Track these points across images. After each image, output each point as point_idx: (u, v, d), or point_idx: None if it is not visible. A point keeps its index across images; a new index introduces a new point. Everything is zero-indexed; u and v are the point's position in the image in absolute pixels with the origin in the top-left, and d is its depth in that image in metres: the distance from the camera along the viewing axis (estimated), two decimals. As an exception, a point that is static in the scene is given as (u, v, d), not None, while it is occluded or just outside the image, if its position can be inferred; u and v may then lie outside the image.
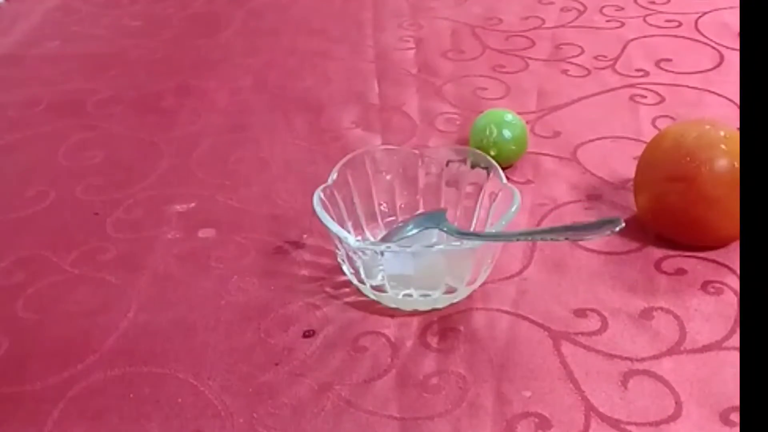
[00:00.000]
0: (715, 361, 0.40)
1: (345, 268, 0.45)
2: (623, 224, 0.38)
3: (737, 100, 0.65)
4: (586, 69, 0.72)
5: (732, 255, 0.48)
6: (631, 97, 0.66)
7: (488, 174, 0.47)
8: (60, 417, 0.39)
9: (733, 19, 0.79)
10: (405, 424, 0.38)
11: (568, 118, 0.64)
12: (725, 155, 0.45)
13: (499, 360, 0.41)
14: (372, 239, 0.48)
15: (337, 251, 0.45)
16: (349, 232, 0.46)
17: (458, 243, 0.44)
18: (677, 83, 0.68)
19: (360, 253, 0.43)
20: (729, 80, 0.68)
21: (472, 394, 0.39)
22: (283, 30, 0.85)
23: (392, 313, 0.45)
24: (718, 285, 0.46)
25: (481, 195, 0.47)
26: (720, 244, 0.48)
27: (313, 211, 0.43)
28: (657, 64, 0.71)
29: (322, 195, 0.45)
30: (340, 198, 0.47)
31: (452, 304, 0.45)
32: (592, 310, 0.44)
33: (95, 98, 0.72)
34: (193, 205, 0.55)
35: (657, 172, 0.48)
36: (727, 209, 0.45)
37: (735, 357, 0.41)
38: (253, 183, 0.58)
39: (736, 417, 0.37)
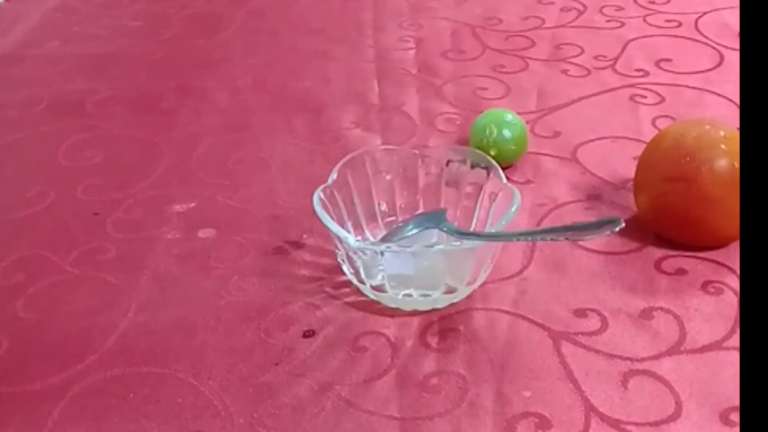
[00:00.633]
0: (715, 361, 0.40)
1: (345, 268, 0.45)
2: (623, 224, 0.38)
3: (737, 100, 0.65)
4: (586, 69, 0.72)
5: (732, 255, 0.48)
6: (631, 97, 0.66)
7: (488, 174, 0.47)
8: (60, 417, 0.39)
9: (733, 19, 0.79)
10: (405, 424, 0.38)
11: (568, 118, 0.64)
12: (725, 155, 0.45)
13: (499, 360, 0.41)
14: (372, 239, 0.48)
15: (337, 251, 0.45)
16: (349, 232, 0.46)
17: (458, 243, 0.44)
18: (677, 83, 0.68)
19: (360, 253, 0.43)
20: (729, 80, 0.68)
21: (472, 394, 0.39)
22: (283, 30, 0.85)
23: (392, 313, 0.45)
24: (718, 285, 0.46)
25: (481, 195, 0.47)
26: (720, 244, 0.48)
27: (313, 211, 0.43)
28: (657, 64, 0.71)
29: (322, 195, 0.45)
30: (340, 198, 0.47)
31: (452, 304, 0.45)
32: (592, 310, 0.44)
33: (95, 98, 0.72)
34: (193, 205, 0.55)
35: (657, 172, 0.48)
36: (727, 209, 0.45)
37: (735, 357, 0.41)
38: (253, 183, 0.58)
39: (736, 417, 0.37)
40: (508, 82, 0.70)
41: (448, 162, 0.49)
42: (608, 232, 0.38)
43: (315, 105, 0.69)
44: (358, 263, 0.44)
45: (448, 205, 0.49)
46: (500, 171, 0.46)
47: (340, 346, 0.43)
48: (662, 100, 0.65)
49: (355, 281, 0.45)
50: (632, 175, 0.51)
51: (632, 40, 0.76)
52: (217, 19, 0.88)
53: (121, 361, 0.43)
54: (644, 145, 0.51)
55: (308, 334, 0.44)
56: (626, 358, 0.41)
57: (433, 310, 0.45)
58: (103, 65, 0.78)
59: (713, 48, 0.74)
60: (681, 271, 0.47)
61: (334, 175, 0.46)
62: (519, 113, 0.59)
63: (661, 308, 0.44)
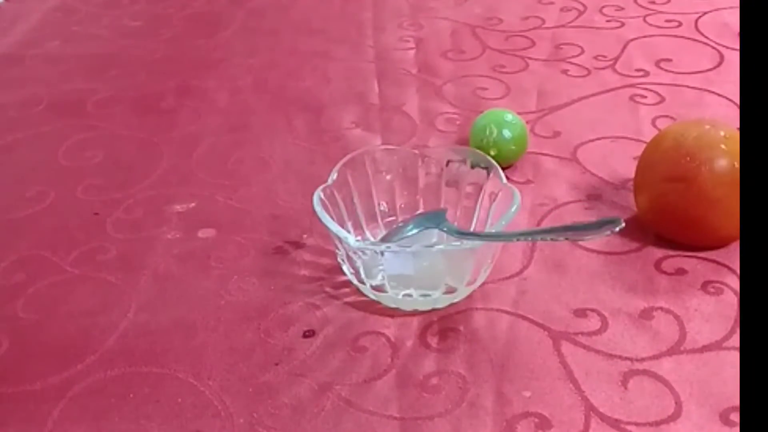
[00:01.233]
0: (715, 361, 0.40)
1: (345, 268, 0.45)
2: (623, 224, 0.38)
3: (737, 100, 0.65)
4: (586, 69, 0.72)
5: (732, 255, 0.48)
6: (631, 97, 0.66)
7: (488, 174, 0.47)
8: (60, 417, 0.39)
9: (733, 19, 0.79)
10: (405, 424, 0.38)
11: (568, 118, 0.64)
12: (725, 155, 0.45)
13: (499, 360, 0.41)
14: (372, 239, 0.48)
15: (337, 251, 0.45)
16: (349, 232, 0.46)
17: (458, 243, 0.44)
18: (677, 83, 0.68)
19: (360, 253, 0.43)
20: (729, 80, 0.68)
21: (472, 394, 0.39)
22: (283, 30, 0.85)
23: (392, 313, 0.45)
24: (718, 285, 0.46)
25: (481, 195, 0.47)
26: (720, 244, 0.48)
27: (313, 211, 0.43)
28: (657, 64, 0.71)
29: (322, 195, 0.45)
30: (340, 198, 0.47)
31: (452, 304, 0.45)
32: (592, 310, 0.44)
33: (95, 98, 0.72)
34: (193, 205, 0.55)
35: (657, 172, 0.48)
36: (727, 209, 0.45)
37: (735, 357, 0.41)
38: (253, 183, 0.58)
39: (736, 417, 0.37)
40: (508, 82, 0.70)
41: (448, 162, 0.49)
42: (608, 232, 0.38)
43: (315, 105, 0.69)
44: (358, 263, 0.44)
45: (448, 205, 0.49)
46: (500, 171, 0.46)
47: (340, 346, 0.43)
48: (662, 100, 0.65)
49: (355, 281, 0.45)
50: (632, 175, 0.51)
51: (632, 40, 0.76)
52: (217, 19, 0.88)
53: (121, 361, 0.43)
54: (644, 145, 0.51)
55: (308, 334, 0.44)
56: (626, 358, 0.41)
57: (433, 310, 0.45)
58: (103, 65, 0.78)
59: (713, 48, 0.74)
60: (681, 271, 0.47)
61: (334, 175, 0.46)
62: (519, 113, 0.59)
63: (661, 308, 0.44)
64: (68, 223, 0.55)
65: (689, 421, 0.37)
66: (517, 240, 0.47)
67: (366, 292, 0.45)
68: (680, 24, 0.79)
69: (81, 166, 0.61)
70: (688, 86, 0.67)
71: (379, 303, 0.45)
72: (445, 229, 0.45)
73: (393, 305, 0.45)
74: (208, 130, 0.66)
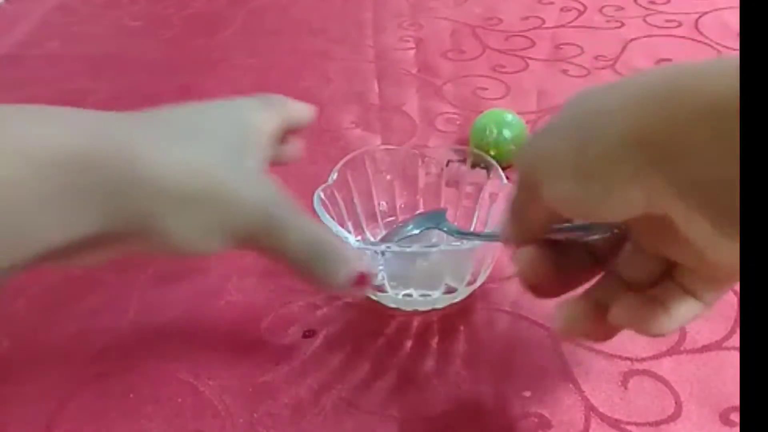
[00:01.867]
0: (716, 361, 0.41)
1: (345, 268, 0.45)
2: (625, 225, 0.37)
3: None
4: (586, 69, 0.72)
5: (732, 255, 0.48)
6: (631, 97, 0.66)
7: (488, 174, 0.47)
8: (60, 417, 0.39)
9: (733, 19, 0.79)
10: (405, 423, 0.38)
11: (568, 118, 0.64)
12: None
13: (499, 360, 0.41)
14: (372, 239, 0.48)
15: (337, 251, 0.45)
16: (349, 232, 0.46)
17: (458, 243, 0.44)
18: (677, 83, 0.68)
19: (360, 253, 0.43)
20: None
21: (471, 394, 0.39)
22: (283, 30, 0.85)
23: (392, 313, 0.45)
24: (718, 285, 0.46)
25: (481, 195, 0.47)
26: (720, 244, 0.48)
27: (314, 211, 0.43)
28: (657, 64, 0.71)
29: (322, 195, 0.45)
30: (340, 198, 0.47)
31: (452, 304, 0.45)
32: (592, 310, 0.44)
33: (95, 98, 0.72)
34: (193, 205, 0.55)
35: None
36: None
37: (735, 357, 0.41)
38: (253, 183, 0.58)
39: (736, 417, 0.37)
40: (508, 82, 0.70)
41: (448, 162, 0.49)
42: (608, 233, 0.37)
43: (315, 105, 0.69)
44: (358, 263, 0.43)
45: (448, 205, 0.49)
46: (500, 171, 0.46)
47: (340, 346, 0.43)
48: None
49: (355, 281, 0.45)
50: (632, 175, 0.51)
51: (632, 40, 0.76)
52: (217, 19, 0.88)
53: (121, 361, 0.43)
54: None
55: (308, 334, 0.44)
56: (626, 358, 0.41)
57: (433, 309, 0.45)
58: (103, 65, 0.78)
59: (713, 48, 0.74)
60: (681, 271, 0.47)
61: (334, 175, 0.46)
62: (519, 113, 0.59)
63: (661, 308, 0.44)
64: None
65: (689, 421, 0.37)
66: None
67: (366, 292, 0.45)
68: (680, 24, 0.79)
69: (81, 166, 0.61)
70: (688, 86, 0.67)
71: (379, 303, 0.45)
72: (445, 229, 0.45)
73: (393, 305, 0.45)
74: (208, 130, 0.66)
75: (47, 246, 0.29)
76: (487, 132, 0.56)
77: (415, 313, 0.45)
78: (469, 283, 0.44)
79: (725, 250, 0.26)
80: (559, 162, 0.28)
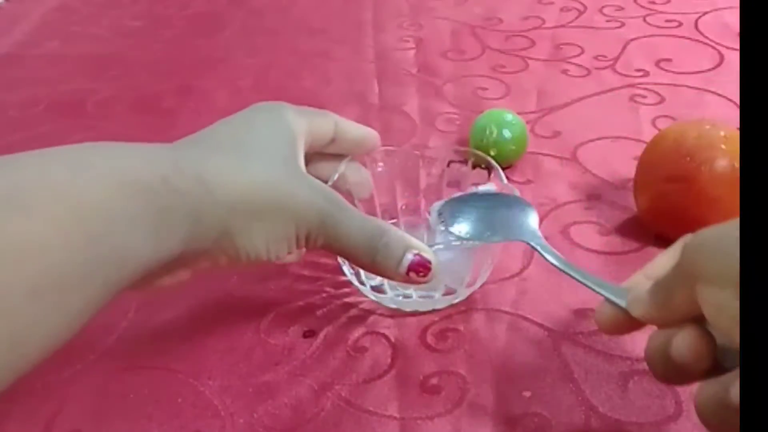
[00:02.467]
0: (715, 361, 0.40)
1: (345, 268, 0.45)
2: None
3: (737, 100, 0.65)
4: (586, 69, 0.72)
5: (732, 255, 0.48)
6: (631, 97, 0.66)
7: (489, 174, 0.47)
8: (60, 417, 0.39)
9: (733, 19, 0.79)
10: (405, 424, 0.38)
11: (568, 118, 0.64)
12: (725, 155, 0.45)
13: (499, 360, 0.41)
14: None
15: (337, 251, 0.45)
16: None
17: (458, 243, 0.44)
18: (677, 83, 0.68)
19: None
20: (729, 80, 0.68)
21: (471, 394, 0.39)
22: (283, 30, 0.85)
23: (392, 313, 0.45)
24: (718, 285, 0.45)
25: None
26: (720, 244, 0.48)
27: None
28: (657, 64, 0.71)
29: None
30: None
31: (452, 305, 0.45)
32: (592, 310, 0.44)
33: (95, 98, 0.72)
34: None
35: (657, 172, 0.48)
36: (727, 209, 0.45)
37: (735, 357, 0.41)
38: (253, 183, 0.58)
39: (736, 417, 0.37)
40: (508, 82, 0.70)
41: (449, 162, 0.49)
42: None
43: (315, 105, 0.68)
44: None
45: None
46: (501, 171, 0.46)
47: (340, 346, 0.43)
48: (662, 100, 0.65)
49: (355, 282, 0.45)
50: (632, 175, 0.51)
51: (632, 40, 0.76)
52: (217, 19, 0.88)
53: (121, 361, 0.43)
54: (644, 145, 0.51)
55: (308, 334, 0.44)
56: (626, 358, 0.41)
57: (434, 310, 0.45)
58: (103, 65, 0.78)
59: (713, 48, 0.74)
60: (681, 271, 0.47)
61: (334, 176, 0.46)
62: (519, 113, 0.59)
63: (661, 308, 0.44)
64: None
65: (689, 421, 0.37)
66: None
67: (366, 293, 0.45)
68: (680, 24, 0.79)
69: (81, 166, 0.61)
70: (688, 86, 0.67)
71: (379, 303, 0.45)
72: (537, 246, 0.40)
73: (393, 306, 0.45)
74: (208, 130, 0.66)
75: (137, 265, 0.32)
76: (487, 132, 0.56)
77: (415, 313, 0.45)
78: (469, 284, 0.44)
79: None
80: (725, 270, 0.26)
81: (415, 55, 0.77)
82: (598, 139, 0.61)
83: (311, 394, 0.40)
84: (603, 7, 0.84)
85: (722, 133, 0.47)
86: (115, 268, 0.31)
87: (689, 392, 0.39)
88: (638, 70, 0.70)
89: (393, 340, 0.43)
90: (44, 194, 0.29)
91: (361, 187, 0.47)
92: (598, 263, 0.48)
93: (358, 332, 0.44)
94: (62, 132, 0.66)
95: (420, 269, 0.38)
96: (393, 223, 0.50)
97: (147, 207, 0.32)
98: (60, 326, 0.29)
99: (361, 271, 0.44)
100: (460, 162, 0.49)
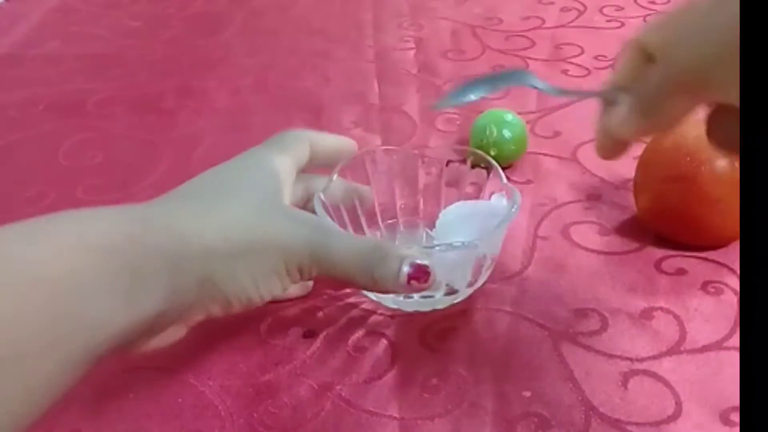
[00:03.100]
0: (716, 362, 0.41)
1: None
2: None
3: (737, 100, 0.65)
4: (586, 69, 0.72)
5: (732, 255, 0.48)
6: (631, 97, 0.66)
7: (488, 174, 0.47)
8: (59, 417, 0.39)
9: (733, 19, 0.79)
10: (405, 424, 0.38)
11: (568, 118, 0.64)
12: (725, 155, 0.45)
13: (499, 360, 0.41)
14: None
15: (337, 251, 0.45)
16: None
17: (459, 244, 0.44)
18: (677, 83, 0.68)
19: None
20: (729, 80, 0.68)
21: (472, 394, 0.39)
22: (284, 30, 0.85)
23: (393, 313, 0.45)
24: (718, 285, 0.46)
25: (482, 195, 0.47)
26: (720, 244, 0.48)
27: (314, 213, 0.43)
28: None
29: (322, 196, 0.44)
30: (341, 197, 0.47)
31: (453, 305, 0.45)
32: (593, 310, 0.44)
33: (95, 98, 0.72)
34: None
35: (657, 172, 0.48)
36: (727, 209, 0.45)
37: (735, 357, 0.41)
38: (253, 183, 0.58)
39: (736, 417, 0.37)
40: (508, 82, 0.70)
41: (448, 162, 0.49)
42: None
43: (315, 105, 0.69)
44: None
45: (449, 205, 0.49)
46: (501, 171, 0.46)
47: (340, 346, 0.43)
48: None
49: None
50: (632, 175, 0.51)
51: (632, 40, 0.76)
52: (217, 19, 0.88)
53: (121, 361, 0.42)
54: (644, 145, 0.51)
55: (308, 334, 0.44)
56: (626, 358, 0.41)
57: (434, 310, 0.45)
58: (103, 65, 0.78)
59: (713, 48, 0.74)
60: (681, 271, 0.47)
61: (334, 176, 0.46)
62: (519, 113, 0.59)
63: (661, 308, 0.44)
64: (68, 223, 0.55)
65: (689, 422, 0.37)
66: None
67: (367, 293, 0.45)
68: (680, 24, 0.79)
69: (81, 166, 0.61)
70: (688, 86, 0.67)
71: (379, 304, 0.45)
72: (539, 86, 0.38)
73: (394, 306, 0.45)
74: (208, 130, 0.66)
75: (110, 331, 0.31)
76: (487, 132, 0.56)
77: (416, 313, 0.45)
78: (470, 284, 0.44)
79: None
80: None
81: (415, 55, 0.77)
82: (598, 139, 0.61)
83: (311, 394, 0.40)
84: (603, 7, 0.84)
85: (722, 133, 0.47)
86: (82, 337, 0.29)
87: (689, 392, 0.39)
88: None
89: (393, 340, 0.43)
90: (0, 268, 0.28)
91: (349, 200, 0.47)
92: (598, 263, 0.48)
93: (358, 332, 0.44)
94: (62, 132, 0.66)
95: (420, 276, 0.37)
96: (391, 223, 0.50)
97: (114, 270, 0.31)
98: (23, 398, 0.28)
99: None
100: (459, 162, 0.49)
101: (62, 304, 0.29)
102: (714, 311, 0.44)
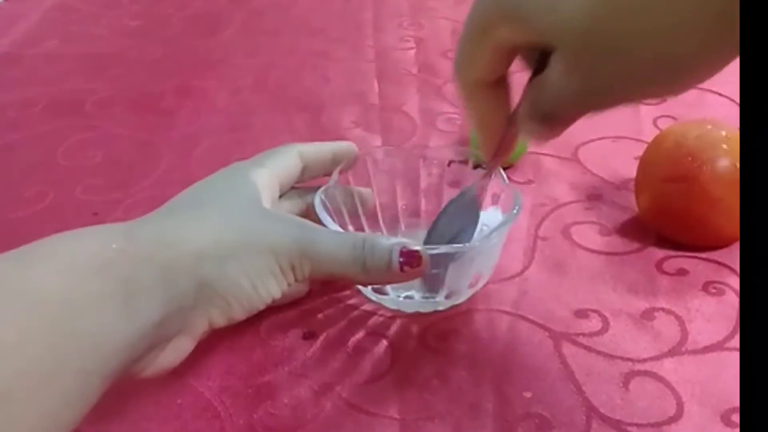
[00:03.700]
0: (717, 362, 0.40)
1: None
2: None
3: (738, 99, 0.65)
4: (587, 69, 0.71)
5: (734, 255, 0.48)
6: (632, 97, 0.66)
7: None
8: (59, 418, 0.39)
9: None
10: (405, 424, 0.38)
11: (569, 118, 0.64)
12: (727, 155, 0.45)
13: (499, 361, 0.41)
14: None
15: (337, 252, 0.45)
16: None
17: (460, 245, 0.44)
18: (678, 83, 0.68)
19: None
20: (729, 80, 0.67)
21: (472, 395, 0.39)
22: (284, 30, 0.85)
23: (393, 314, 0.45)
24: (719, 285, 0.45)
25: (483, 195, 0.47)
26: (722, 244, 0.48)
27: (315, 213, 0.43)
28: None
29: (323, 197, 0.44)
30: (341, 199, 0.47)
31: (454, 306, 0.45)
32: (593, 310, 0.44)
33: (95, 98, 0.72)
34: (192, 205, 0.55)
35: (658, 173, 0.48)
36: (728, 209, 0.45)
37: (736, 358, 0.41)
38: (253, 183, 0.57)
39: (737, 418, 0.37)
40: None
41: (449, 162, 0.49)
42: None
43: (315, 105, 0.69)
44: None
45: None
46: (502, 171, 0.46)
47: (340, 347, 0.43)
48: (663, 100, 0.65)
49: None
50: (633, 175, 0.51)
51: (633, 39, 0.76)
52: (217, 19, 0.88)
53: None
54: (645, 145, 0.51)
55: (308, 335, 0.44)
56: (627, 359, 0.41)
57: (435, 311, 0.45)
58: (102, 65, 0.78)
59: (714, 48, 0.74)
60: (682, 272, 0.47)
61: (335, 176, 0.46)
62: (519, 113, 0.59)
63: (663, 309, 0.44)
64: (68, 223, 0.54)
65: (690, 422, 0.37)
66: None
67: (367, 294, 0.45)
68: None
69: (80, 166, 0.61)
70: (688, 86, 0.67)
71: (380, 305, 0.45)
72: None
73: (394, 307, 0.45)
74: (208, 130, 0.66)
75: (116, 344, 0.31)
76: (488, 132, 0.55)
77: (416, 314, 0.45)
78: (471, 285, 0.44)
79: None
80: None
81: (415, 54, 0.77)
82: (599, 139, 0.61)
83: (311, 395, 0.40)
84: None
85: (723, 133, 0.46)
86: (90, 353, 0.30)
87: (690, 393, 0.39)
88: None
89: (393, 340, 0.43)
90: None
91: (350, 201, 0.47)
92: (599, 263, 0.48)
93: (358, 333, 0.44)
94: (61, 132, 0.66)
95: (412, 260, 0.37)
96: (393, 224, 0.50)
97: (109, 284, 0.31)
98: (44, 421, 0.28)
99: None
100: (460, 162, 0.48)
101: (63, 322, 0.29)
102: (715, 312, 0.44)
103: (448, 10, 0.87)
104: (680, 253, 0.48)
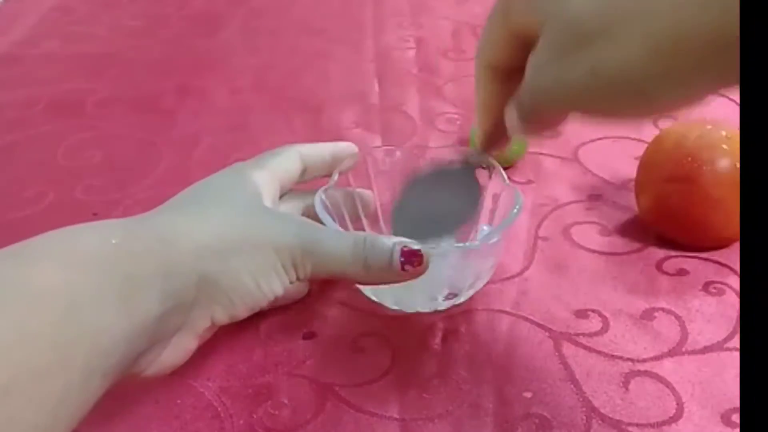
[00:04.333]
0: (717, 362, 0.40)
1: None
2: None
3: (738, 99, 0.65)
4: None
5: (734, 256, 0.48)
6: (632, 97, 0.66)
7: (490, 174, 0.47)
8: (59, 418, 0.39)
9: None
10: (405, 425, 0.38)
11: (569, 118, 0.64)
12: (727, 155, 0.45)
13: (499, 361, 0.41)
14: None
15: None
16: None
17: (460, 246, 0.44)
18: (678, 83, 0.68)
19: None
20: (730, 80, 0.67)
21: (472, 395, 0.39)
22: (284, 30, 0.85)
23: (393, 314, 0.45)
24: (719, 286, 0.45)
25: (484, 196, 0.47)
26: (722, 244, 0.48)
27: (315, 213, 0.43)
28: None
29: (323, 197, 0.44)
30: (342, 199, 0.47)
31: (454, 306, 0.45)
32: (593, 310, 0.44)
33: (95, 98, 0.72)
34: (192, 205, 0.55)
35: (658, 173, 0.48)
36: (729, 209, 0.45)
37: (736, 358, 0.41)
38: (253, 183, 0.57)
39: (737, 418, 0.37)
40: (509, 82, 0.70)
41: (449, 162, 0.49)
42: None
43: (315, 105, 0.69)
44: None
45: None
46: (502, 171, 0.46)
47: (340, 347, 0.43)
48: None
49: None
50: (633, 175, 0.51)
51: (633, 40, 0.76)
52: (216, 19, 0.88)
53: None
54: (645, 146, 0.51)
55: (308, 335, 0.44)
56: (627, 359, 0.41)
57: (435, 311, 0.45)
58: (102, 65, 0.78)
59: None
60: (682, 272, 0.47)
61: (335, 176, 0.46)
62: (519, 113, 0.59)
63: (663, 309, 0.44)
64: (67, 223, 0.54)
65: (690, 422, 0.37)
66: None
67: (367, 294, 0.45)
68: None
69: (80, 166, 0.61)
70: (688, 86, 0.67)
71: (380, 305, 0.45)
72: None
73: (395, 307, 0.45)
74: (208, 130, 0.66)
75: (116, 338, 0.31)
76: (488, 132, 0.55)
77: (416, 314, 0.45)
78: (471, 286, 0.44)
79: None
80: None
81: (415, 54, 0.77)
82: (599, 139, 0.61)
83: (311, 395, 0.40)
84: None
85: (724, 133, 0.46)
86: (90, 348, 0.29)
87: (691, 393, 0.39)
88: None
89: (393, 340, 0.43)
90: None
91: (350, 201, 0.47)
92: (599, 263, 0.48)
93: (358, 334, 0.44)
94: (61, 132, 0.66)
95: (413, 258, 0.37)
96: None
97: (107, 278, 0.31)
98: (47, 416, 0.28)
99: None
100: (460, 162, 0.48)
101: (62, 317, 0.29)
102: (715, 312, 0.44)
103: (448, 10, 0.87)
104: (680, 254, 0.48)
